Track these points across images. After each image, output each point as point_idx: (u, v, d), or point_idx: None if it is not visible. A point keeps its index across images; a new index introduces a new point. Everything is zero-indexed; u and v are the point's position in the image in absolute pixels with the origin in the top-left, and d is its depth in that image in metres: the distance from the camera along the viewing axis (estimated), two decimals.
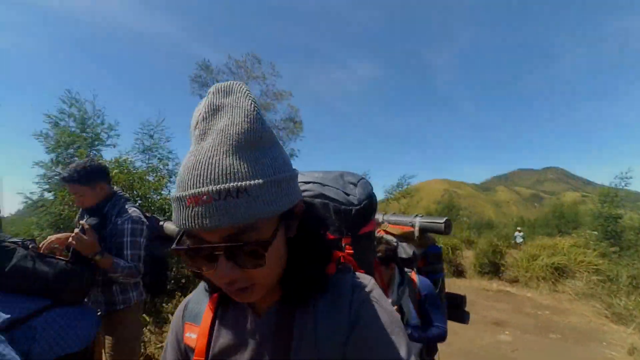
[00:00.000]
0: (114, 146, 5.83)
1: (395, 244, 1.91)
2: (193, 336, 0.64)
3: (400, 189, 15.01)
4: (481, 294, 6.91)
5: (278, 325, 0.56)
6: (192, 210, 0.42)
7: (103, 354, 1.80)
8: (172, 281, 4.34)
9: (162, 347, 3.20)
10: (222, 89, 0.48)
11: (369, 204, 0.84)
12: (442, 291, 1.98)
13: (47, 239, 1.61)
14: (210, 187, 0.41)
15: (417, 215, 1.99)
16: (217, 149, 0.43)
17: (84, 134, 5.42)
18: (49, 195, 4.90)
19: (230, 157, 0.43)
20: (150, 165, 5.77)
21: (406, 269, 1.89)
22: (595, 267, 6.87)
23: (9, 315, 1.21)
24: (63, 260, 1.45)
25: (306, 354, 0.52)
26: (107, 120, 5.86)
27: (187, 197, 0.42)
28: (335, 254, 0.63)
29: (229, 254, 0.44)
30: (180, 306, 0.71)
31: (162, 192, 5.21)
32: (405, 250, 1.98)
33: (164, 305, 3.82)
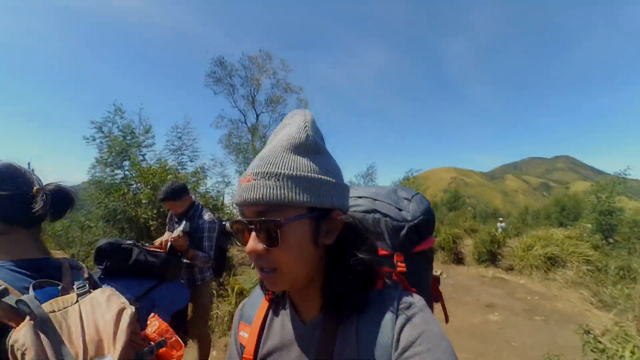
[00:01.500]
0: (152, 145, 6.54)
1: None
2: (245, 335, 0.70)
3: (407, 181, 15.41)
4: (478, 280, 7.45)
5: (322, 335, 0.58)
6: (240, 188, 0.56)
7: None
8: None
9: (226, 308, 3.87)
10: (292, 114, 0.63)
11: (424, 220, 0.80)
12: None
13: (158, 241, 2.33)
14: (254, 170, 0.54)
15: None
16: (273, 149, 0.56)
17: (131, 141, 6.08)
18: (100, 193, 5.58)
19: (277, 154, 0.55)
20: (180, 162, 6.62)
21: None
22: (586, 257, 7.34)
23: (135, 294, 1.86)
24: (163, 253, 2.14)
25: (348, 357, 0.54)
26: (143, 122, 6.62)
27: (241, 178, 0.56)
28: (382, 270, 0.63)
29: (256, 228, 0.54)
30: (239, 306, 0.78)
31: (198, 190, 6.14)
32: None
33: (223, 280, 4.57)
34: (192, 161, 6.98)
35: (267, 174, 0.53)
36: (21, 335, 0.65)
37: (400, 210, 0.80)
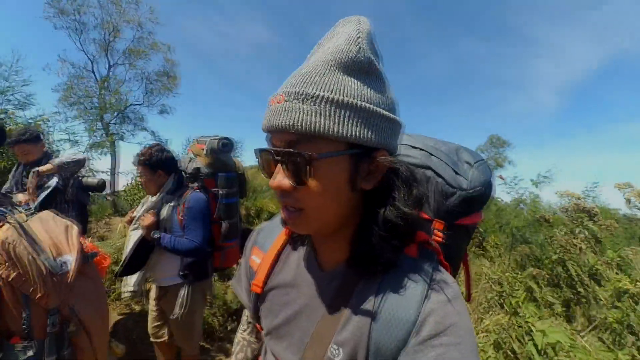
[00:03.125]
0: None
1: (190, 158, 2.11)
2: (257, 260, 0.67)
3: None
4: None
5: (340, 287, 0.55)
6: (268, 110, 0.47)
7: None
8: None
9: None
10: (345, 20, 0.51)
11: (481, 194, 0.69)
12: (232, 216, 2.03)
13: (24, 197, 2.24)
14: (288, 89, 0.45)
15: (216, 136, 2.01)
16: (313, 64, 0.46)
17: None
18: None
19: (318, 71, 0.45)
20: (4, 110, 5.19)
21: (191, 185, 2.01)
22: None
23: None
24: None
25: (355, 327, 0.50)
26: None
27: (271, 98, 0.47)
28: (420, 235, 0.57)
29: (284, 160, 0.47)
30: (256, 229, 0.75)
31: None
32: (192, 166, 2.05)
33: None
34: (22, 109, 5.65)
35: (302, 95, 0.44)
36: (10, 234, 0.92)
37: (457, 174, 0.69)
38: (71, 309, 1.06)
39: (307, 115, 0.44)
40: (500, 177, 7.23)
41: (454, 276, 0.79)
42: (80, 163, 2.51)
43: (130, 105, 16.11)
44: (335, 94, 0.44)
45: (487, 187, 0.70)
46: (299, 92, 0.45)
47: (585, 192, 4.65)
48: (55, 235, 1.09)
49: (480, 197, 0.69)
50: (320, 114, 0.44)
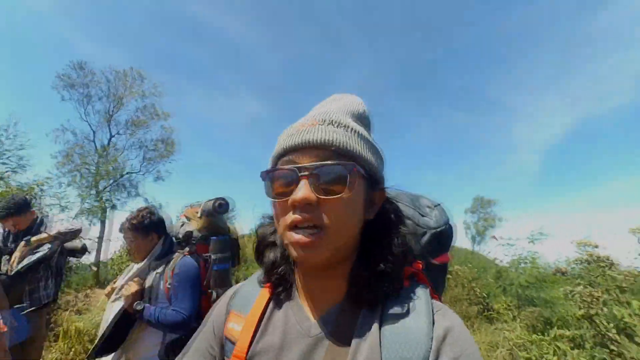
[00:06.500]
0: None
1: (182, 222, 1.97)
2: (237, 327, 0.57)
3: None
4: None
5: (338, 324, 0.52)
6: (297, 132, 0.51)
7: None
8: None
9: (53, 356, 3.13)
10: (340, 94, 0.63)
11: (446, 231, 0.75)
12: (225, 284, 1.73)
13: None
14: (317, 118, 0.52)
15: (210, 200, 1.82)
16: (329, 110, 0.56)
17: None
18: None
19: (339, 113, 0.55)
20: None
21: (180, 251, 1.82)
22: None
23: None
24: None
25: (367, 356, 0.46)
26: None
27: (294, 125, 0.54)
28: (408, 269, 0.57)
29: (313, 174, 0.48)
30: (227, 293, 0.66)
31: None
32: (184, 230, 1.89)
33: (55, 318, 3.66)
34: (15, 172, 5.62)
35: (334, 122, 0.51)
36: None
37: (422, 216, 0.75)
38: None
39: (342, 136, 0.50)
40: (494, 237, 7.06)
41: None
42: (76, 233, 2.46)
43: (127, 173, 16.30)
44: (358, 128, 0.53)
45: (449, 226, 0.77)
46: (330, 120, 0.52)
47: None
48: None
49: (448, 234, 0.76)
50: (352, 138, 0.51)
